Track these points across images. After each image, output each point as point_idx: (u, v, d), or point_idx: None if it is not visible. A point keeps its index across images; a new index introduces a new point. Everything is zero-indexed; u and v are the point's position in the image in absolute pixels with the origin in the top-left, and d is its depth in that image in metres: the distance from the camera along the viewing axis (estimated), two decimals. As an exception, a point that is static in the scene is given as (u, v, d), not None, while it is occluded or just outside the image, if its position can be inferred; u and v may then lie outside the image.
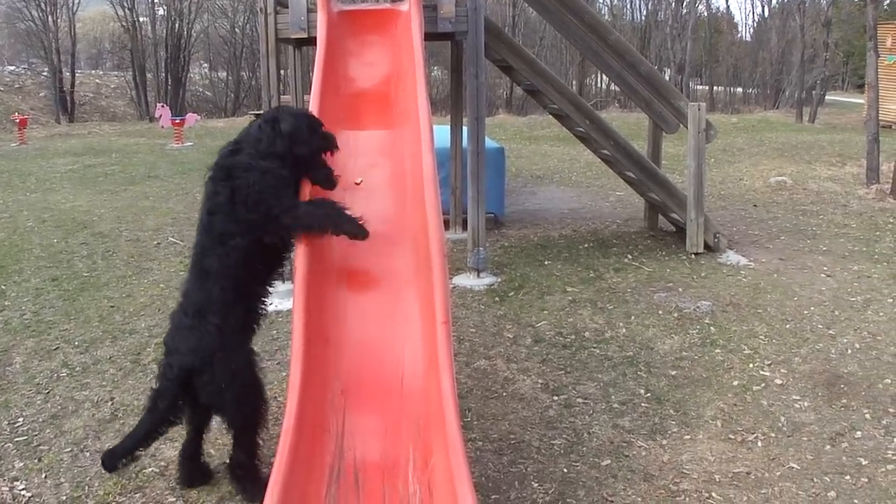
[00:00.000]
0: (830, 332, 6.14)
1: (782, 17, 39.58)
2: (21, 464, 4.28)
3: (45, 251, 8.68)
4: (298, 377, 3.38)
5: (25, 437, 4.55)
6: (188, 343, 3.64)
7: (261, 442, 3.85)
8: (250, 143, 3.90)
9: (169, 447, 4.30)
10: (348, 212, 3.89)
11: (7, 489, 4.07)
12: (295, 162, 3.94)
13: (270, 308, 6.45)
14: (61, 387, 5.21)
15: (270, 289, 3.98)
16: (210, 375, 3.60)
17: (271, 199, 3.74)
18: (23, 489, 4.07)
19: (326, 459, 3.36)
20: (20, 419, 4.79)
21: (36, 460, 4.31)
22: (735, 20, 50.27)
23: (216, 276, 3.68)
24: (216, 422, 3.81)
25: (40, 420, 4.77)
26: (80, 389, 5.17)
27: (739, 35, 48.16)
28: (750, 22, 50.40)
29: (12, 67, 38.68)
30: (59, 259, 8.35)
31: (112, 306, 6.78)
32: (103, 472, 3.89)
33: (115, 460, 3.72)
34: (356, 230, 3.86)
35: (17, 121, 22.29)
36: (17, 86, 36.10)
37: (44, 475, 4.15)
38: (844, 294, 6.99)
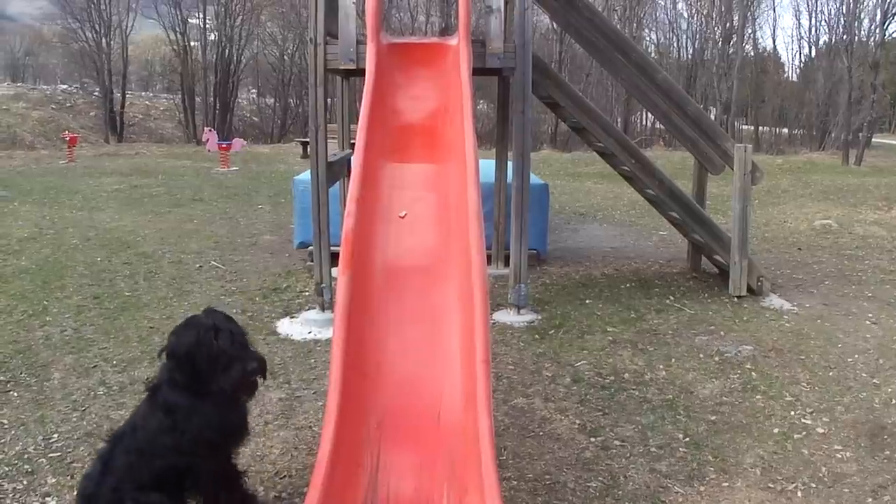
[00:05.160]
0: (875, 380, 6.00)
1: (829, 58, 39.44)
2: (53, 480, 4.27)
3: (89, 269, 8.79)
4: (335, 409, 3.36)
5: (59, 454, 4.55)
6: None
7: None
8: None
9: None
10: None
11: (39, 505, 4.09)
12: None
13: (309, 336, 6.54)
14: (97, 405, 5.23)
15: None
16: None
17: None
18: (54, 506, 4.09)
19: (359, 493, 3.33)
20: (55, 435, 4.80)
21: (69, 477, 4.28)
22: (781, 60, 50.03)
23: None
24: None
25: (75, 437, 4.76)
26: (117, 409, 5.16)
27: (786, 75, 48.05)
28: (796, 62, 50.17)
29: (65, 86, 39.64)
30: (101, 278, 8.44)
31: (152, 327, 6.82)
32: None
33: None
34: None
35: (67, 139, 22.75)
36: (68, 104, 36.92)
37: (76, 492, 4.14)
38: (889, 342, 6.85)
